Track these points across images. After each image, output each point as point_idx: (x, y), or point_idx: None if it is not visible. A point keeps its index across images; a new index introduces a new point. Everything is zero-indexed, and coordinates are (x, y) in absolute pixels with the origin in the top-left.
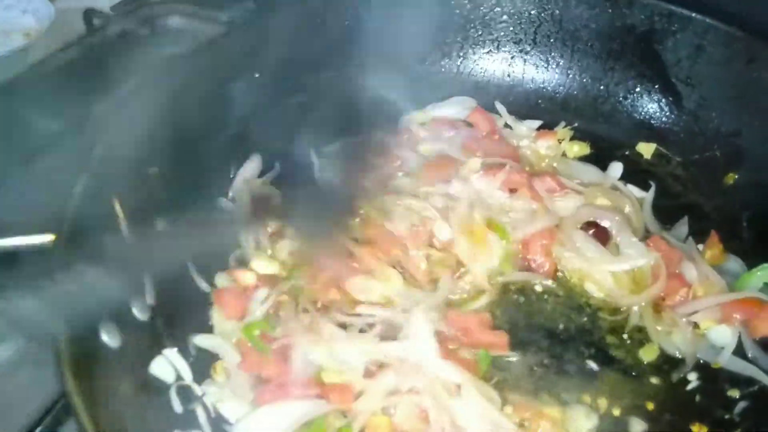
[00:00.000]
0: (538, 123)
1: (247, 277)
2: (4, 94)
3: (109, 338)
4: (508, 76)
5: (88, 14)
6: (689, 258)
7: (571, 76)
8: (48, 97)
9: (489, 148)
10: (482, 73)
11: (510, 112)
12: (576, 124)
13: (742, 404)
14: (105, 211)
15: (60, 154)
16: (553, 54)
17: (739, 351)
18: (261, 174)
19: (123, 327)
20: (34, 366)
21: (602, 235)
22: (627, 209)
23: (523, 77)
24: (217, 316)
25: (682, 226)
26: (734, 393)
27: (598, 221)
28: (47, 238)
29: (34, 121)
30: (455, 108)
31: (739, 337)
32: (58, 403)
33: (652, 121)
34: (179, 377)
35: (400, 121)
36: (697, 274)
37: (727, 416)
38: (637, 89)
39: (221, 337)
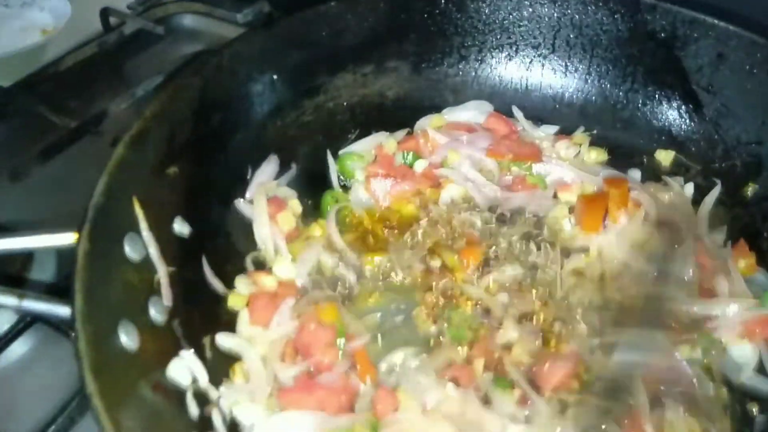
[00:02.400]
0: (555, 128)
1: (269, 282)
2: (21, 91)
3: (128, 339)
4: (526, 80)
5: (105, 13)
6: (723, 270)
7: (589, 81)
8: (65, 94)
9: (515, 149)
10: (500, 78)
11: (527, 117)
12: (594, 131)
13: (760, 419)
14: (125, 210)
15: (77, 151)
16: (572, 59)
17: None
18: (278, 175)
19: (141, 328)
20: (49, 363)
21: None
22: (681, 208)
23: (541, 82)
24: (242, 320)
25: (720, 234)
26: (753, 407)
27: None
28: (70, 237)
29: (51, 117)
30: (471, 112)
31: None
32: (72, 402)
33: (672, 129)
34: (195, 380)
35: (416, 125)
36: (728, 290)
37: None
38: (657, 96)
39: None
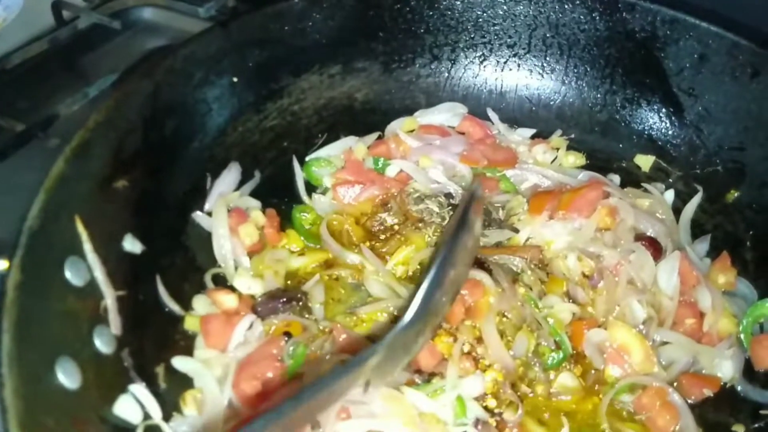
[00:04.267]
0: (531, 131)
1: (228, 301)
2: None
3: (66, 379)
4: (501, 82)
5: (58, 6)
6: (705, 283)
7: (567, 83)
8: (13, 94)
9: (489, 155)
10: (474, 79)
11: (502, 120)
12: (572, 135)
13: None
14: (65, 231)
15: (24, 157)
16: (548, 59)
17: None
18: (240, 184)
19: (83, 363)
20: None
21: (654, 248)
22: (661, 215)
23: (516, 83)
24: (199, 345)
25: (703, 243)
26: (739, 429)
27: (644, 231)
28: (1, 264)
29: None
30: (445, 115)
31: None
32: None
33: (652, 133)
34: (147, 416)
35: (387, 128)
36: (711, 303)
37: None
38: (636, 99)
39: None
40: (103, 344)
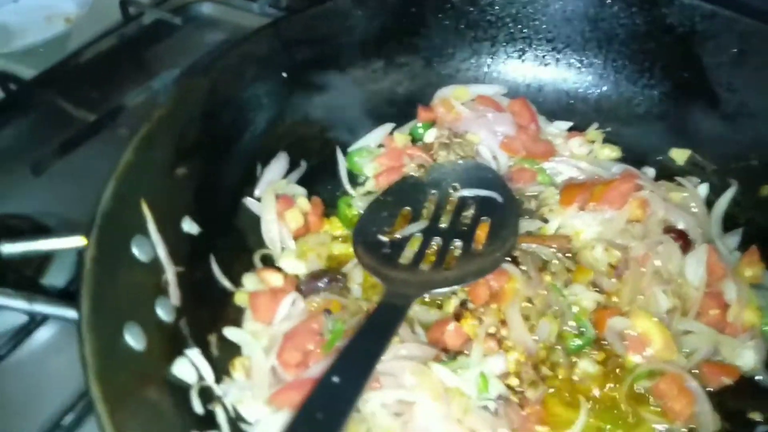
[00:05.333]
0: (569, 124)
1: (275, 279)
2: (42, 84)
3: (134, 341)
4: (540, 75)
5: (125, 3)
6: (731, 275)
7: (605, 77)
8: (85, 86)
9: (529, 146)
10: (513, 73)
11: (540, 113)
12: (608, 128)
13: (762, 428)
14: (133, 213)
15: (96, 145)
16: (587, 54)
17: None
18: (287, 173)
19: (147, 329)
20: (68, 352)
21: (684, 241)
22: (694, 209)
23: (555, 77)
24: (248, 317)
25: (734, 236)
26: (755, 415)
27: (674, 223)
28: (79, 241)
29: (70, 111)
30: (494, 89)
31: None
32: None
33: (688, 127)
34: (201, 378)
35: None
36: (737, 295)
37: None
38: (674, 93)
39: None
40: (164, 313)
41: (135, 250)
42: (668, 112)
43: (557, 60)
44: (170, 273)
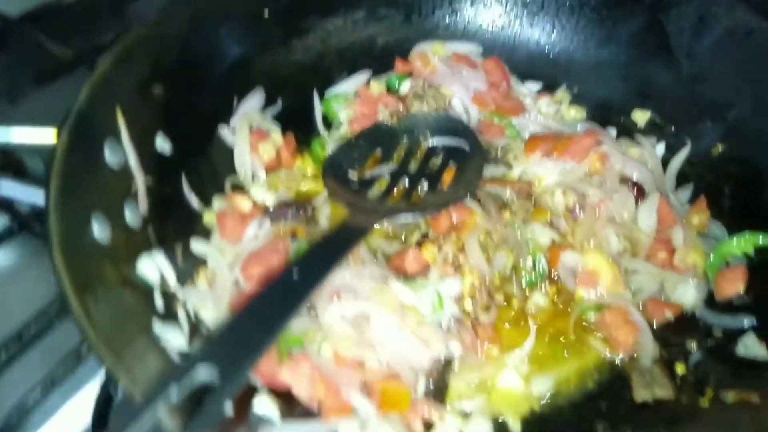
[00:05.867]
0: (539, 85)
1: (244, 203)
2: (26, 22)
3: (100, 232)
4: (515, 36)
5: None
6: (681, 224)
7: (575, 41)
8: (68, 28)
9: (499, 102)
10: (489, 32)
11: (513, 73)
12: (575, 89)
13: (696, 354)
14: (107, 117)
15: (73, 81)
16: (560, 17)
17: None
18: (263, 109)
19: (114, 225)
20: (33, 276)
21: (638, 191)
22: (650, 165)
23: (528, 39)
24: (215, 236)
25: (686, 191)
26: (692, 343)
27: (630, 175)
28: (50, 133)
29: (51, 49)
30: (468, 47)
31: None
32: (51, 307)
33: (650, 90)
34: (164, 281)
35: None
36: (683, 240)
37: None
38: (639, 58)
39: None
40: (132, 218)
41: (107, 153)
42: (632, 75)
43: (531, 24)
44: (140, 181)
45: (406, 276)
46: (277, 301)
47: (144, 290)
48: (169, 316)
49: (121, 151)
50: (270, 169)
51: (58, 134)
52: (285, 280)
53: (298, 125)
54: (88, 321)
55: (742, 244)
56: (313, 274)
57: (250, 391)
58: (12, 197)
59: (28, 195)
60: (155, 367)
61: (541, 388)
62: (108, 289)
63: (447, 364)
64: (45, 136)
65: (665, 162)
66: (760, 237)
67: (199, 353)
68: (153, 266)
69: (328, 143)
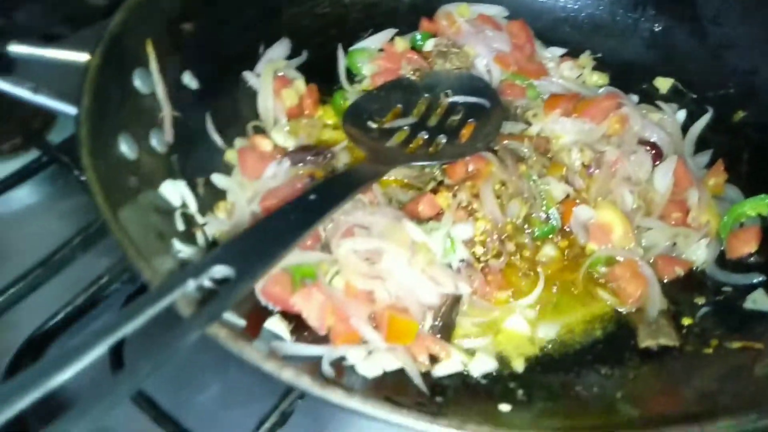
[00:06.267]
0: (562, 50)
1: (265, 144)
2: None
3: (128, 149)
4: (540, 1)
5: None
6: (697, 186)
7: (602, 7)
8: None
9: (522, 63)
10: None
11: (538, 37)
12: (599, 54)
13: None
14: (138, 46)
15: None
16: None
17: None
18: (288, 59)
19: (141, 146)
20: (60, 211)
21: (656, 153)
22: (669, 129)
23: (555, 4)
24: (235, 173)
25: (704, 156)
26: (700, 300)
27: (649, 137)
28: (85, 56)
29: None
30: (494, 9)
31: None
32: (76, 237)
33: (674, 57)
34: (185, 205)
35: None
36: (698, 200)
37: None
38: (665, 25)
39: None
40: (157, 143)
41: (136, 80)
42: (657, 42)
43: None
44: (166, 111)
45: (419, 220)
46: (293, 218)
47: (166, 210)
48: (189, 236)
49: (150, 81)
50: (292, 117)
51: (92, 54)
52: (302, 201)
53: (322, 77)
54: (114, 218)
55: (757, 205)
56: (328, 200)
57: (265, 313)
58: (46, 105)
59: (60, 105)
60: (173, 271)
61: (547, 333)
62: (132, 200)
63: (455, 302)
64: (79, 57)
65: (686, 128)
66: None
67: (216, 254)
68: (175, 191)
69: (351, 96)
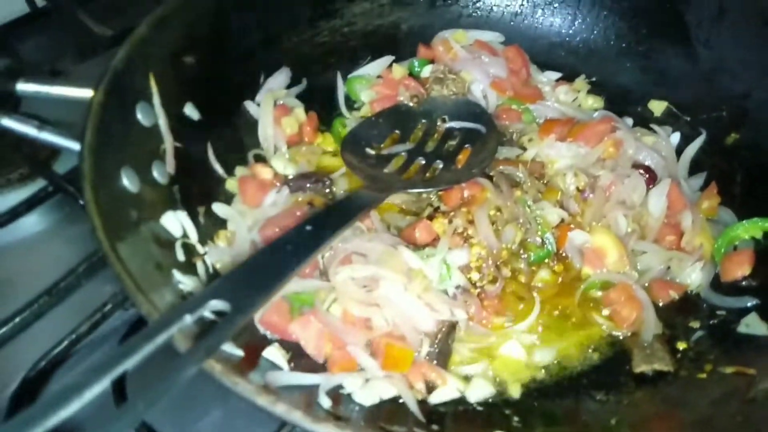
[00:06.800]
0: (558, 75)
1: (265, 172)
2: (70, 2)
3: (129, 183)
4: (536, 27)
5: None
6: (690, 208)
7: (596, 31)
8: (110, 9)
9: (518, 88)
10: (510, 23)
11: (533, 62)
12: (594, 78)
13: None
14: (141, 80)
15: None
16: (580, 9)
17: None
18: (288, 87)
19: (143, 179)
20: (65, 238)
21: (650, 177)
22: (664, 152)
23: (549, 29)
24: (236, 201)
25: (698, 179)
26: (695, 323)
27: (643, 161)
28: (89, 92)
29: (92, 27)
30: (489, 36)
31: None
32: (80, 266)
33: (668, 81)
34: (185, 235)
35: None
36: (692, 223)
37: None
38: (658, 49)
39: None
40: (159, 174)
41: (139, 114)
42: (650, 66)
43: (553, 13)
44: (168, 143)
45: (416, 246)
46: (290, 250)
47: (167, 241)
48: (189, 267)
49: (153, 114)
50: (292, 144)
51: (95, 90)
52: (298, 233)
53: (321, 105)
54: (114, 252)
55: (751, 228)
56: (325, 230)
57: (264, 342)
58: (51, 142)
59: (64, 141)
60: (172, 303)
61: (543, 358)
62: (133, 232)
63: (451, 328)
64: (83, 92)
65: (680, 151)
66: None
67: (212, 289)
68: (176, 222)
69: (349, 123)
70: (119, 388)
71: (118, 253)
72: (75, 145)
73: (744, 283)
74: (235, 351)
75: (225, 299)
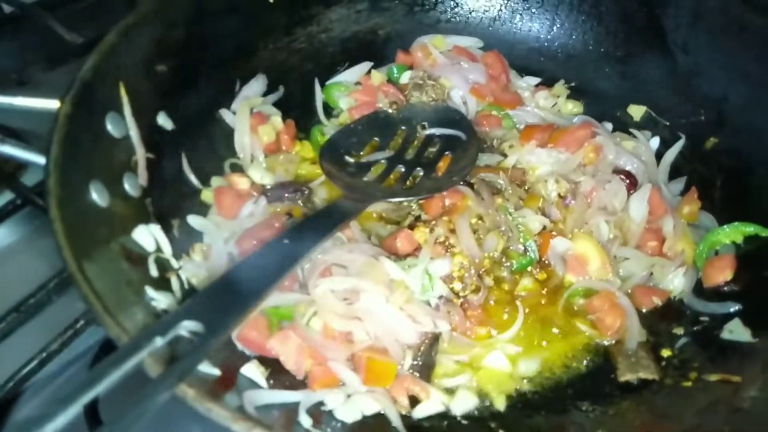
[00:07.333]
0: (537, 80)
1: (242, 182)
2: (40, 8)
3: (98, 197)
4: (515, 32)
5: None
6: (672, 213)
7: (574, 37)
8: (81, 17)
9: (497, 94)
10: (489, 28)
11: (512, 67)
12: (573, 83)
13: (683, 339)
14: (110, 90)
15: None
16: (558, 14)
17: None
18: (264, 95)
19: (113, 193)
20: (36, 252)
21: (631, 182)
22: (644, 157)
23: (528, 35)
24: (212, 213)
25: (679, 184)
26: (679, 330)
27: (623, 166)
28: (55, 103)
29: (62, 34)
30: (468, 41)
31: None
32: (51, 281)
33: (646, 85)
34: (159, 249)
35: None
36: (673, 229)
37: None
38: (636, 54)
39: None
40: (130, 187)
41: (108, 125)
42: (629, 70)
43: (531, 18)
44: (140, 155)
45: (397, 256)
46: (265, 266)
47: (139, 257)
48: (163, 283)
49: (123, 125)
50: (269, 153)
51: (62, 101)
52: (275, 248)
53: (299, 113)
54: (81, 272)
55: (731, 233)
56: (302, 243)
57: (241, 359)
58: (14, 156)
59: (28, 155)
60: (144, 323)
61: (528, 368)
62: (102, 249)
63: (435, 340)
64: (50, 104)
65: (659, 156)
66: (749, 226)
67: (184, 309)
68: (149, 236)
69: (328, 130)
70: (92, 413)
71: (86, 273)
72: (40, 159)
73: (726, 288)
74: (211, 370)
75: (198, 320)
